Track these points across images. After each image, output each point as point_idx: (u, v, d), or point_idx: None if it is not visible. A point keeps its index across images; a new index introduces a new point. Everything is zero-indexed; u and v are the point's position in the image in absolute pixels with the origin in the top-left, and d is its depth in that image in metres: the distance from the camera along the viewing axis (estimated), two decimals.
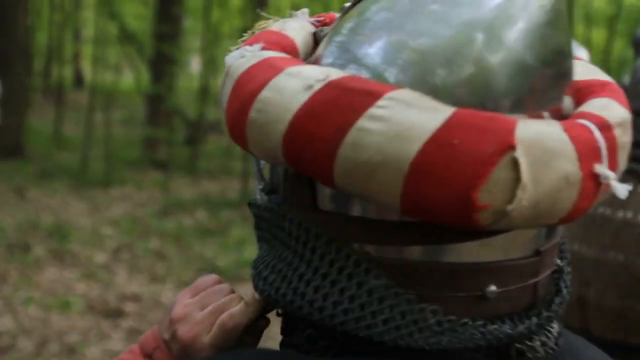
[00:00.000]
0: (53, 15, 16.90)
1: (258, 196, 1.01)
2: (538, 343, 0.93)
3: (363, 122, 0.80)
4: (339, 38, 0.91)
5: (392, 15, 0.87)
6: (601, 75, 0.97)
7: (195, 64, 20.40)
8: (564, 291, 0.94)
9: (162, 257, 8.12)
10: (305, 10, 1.06)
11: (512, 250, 0.89)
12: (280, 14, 1.07)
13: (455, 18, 0.84)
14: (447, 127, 0.78)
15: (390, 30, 0.86)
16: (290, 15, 1.05)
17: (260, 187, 1.01)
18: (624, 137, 0.87)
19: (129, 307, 6.67)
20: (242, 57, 0.92)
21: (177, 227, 9.22)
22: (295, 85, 0.84)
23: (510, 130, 0.78)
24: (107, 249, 8.25)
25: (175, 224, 9.41)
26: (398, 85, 0.83)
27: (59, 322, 6.24)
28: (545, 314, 0.91)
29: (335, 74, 0.84)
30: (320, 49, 0.94)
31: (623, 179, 0.90)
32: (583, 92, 0.93)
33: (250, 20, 13.44)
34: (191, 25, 16.38)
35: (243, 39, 0.99)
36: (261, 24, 1.03)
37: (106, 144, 12.95)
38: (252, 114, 0.86)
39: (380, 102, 0.80)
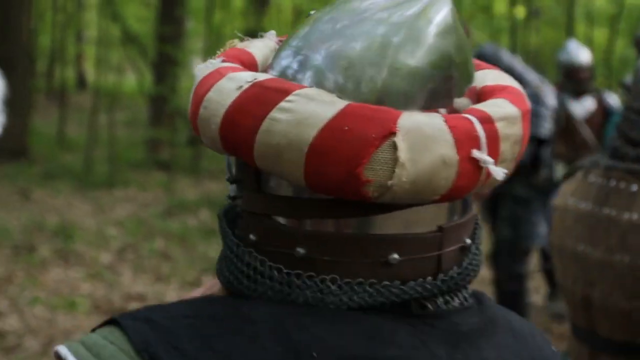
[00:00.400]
0: (56, 17, 16.95)
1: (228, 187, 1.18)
2: (441, 300, 1.09)
3: (274, 113, 0.99)
4: (294, 42, 1.09)
5: (333, 26, 1.06)
6: (508, 82, 1.12)
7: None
8: (465, 265, 1.09)
9: (167, 257, 8.16)
10: (273, 32, 1.23)
11: (414, 225, 1.05)
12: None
13: (373, 33, 1.02)
14: (340, 116, 0.97)
15: (331, 40, 1.04)
16: (261, 36, 1.23)
17: (227, 177, 1.17)
18: (508, 130, 1.03)
19: (134, 306, 6.70)
20: (205, 68, 1.11)
21: (181, 228, 9.26)
22: (230, 86, 1.03)
23: (393, 120, 0.96)
24: (111, 250, 8.29)
25: (180, 224, 9.46)
26: (335, 83, 1.02)
27: (64, 322, 6.28)
28: (445, 279, 1.07)
29: (261, 77, 1.03)
30: (278, 51, 1.12)
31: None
32: (485, 95, 1.09)
33: (252, 22, 13.49)
34: (193, 27, 16.43)
35: (216, 55, 1.17)
36: (230, 42, 1.20)
37: (110, 145, 12.99)
38: (200, 110, 1.06)
39: (288, 97, 0.99)
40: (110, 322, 1.07)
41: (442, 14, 1.05)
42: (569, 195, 2.63)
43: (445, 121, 0.98)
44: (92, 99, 14.57)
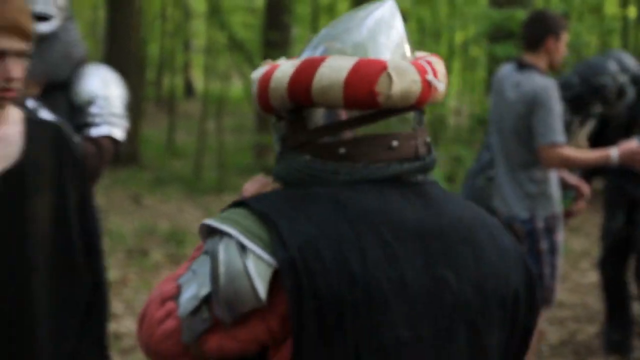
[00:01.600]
0: (164, 26, 17.27)
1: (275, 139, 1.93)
2: (418, 177, 1.82)
3: (320, 69, 1.74)
4: (315, 41, 1.87)
5: (328, 32, 1.86)
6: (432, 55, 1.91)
7: None
8: (431, 155, 1.83)
9: None
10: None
11: (402, 127, 1.80)
12: None
13: (349, 37, 1.82)
14: (356, 64, 1.74)
15: (328, 40, 1.84)
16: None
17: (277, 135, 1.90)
18: (438, 66, 1.83)
19: None
20: (260, 70, 1.87)
21: None
22: (286, 67, 1.79)
23: (384, 63, 1.74)
24: None
25: None
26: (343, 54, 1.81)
27: None
28: (419, 162, 1.80)
29: (302, 58, 1.81)
30: (303, 51, 1.89)
31: None
32: (420, 57, 1.87)
33: None
34: (299, 33, 16.51)
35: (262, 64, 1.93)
36: (266, 62, 1.95)
37: (218, 151, 13.14)
38: (270, 85, 1.80)
39: (326, 60, 1.75)
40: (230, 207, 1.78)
41: (383, 11, 1.87)
42: None
43: (412, 63, 1.78)
44: (201, 106, 14.76)
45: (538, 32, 4.99)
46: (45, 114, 3.64)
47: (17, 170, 2.45)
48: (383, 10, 1.86)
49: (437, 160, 1.84)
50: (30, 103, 3.65)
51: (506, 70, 5.17)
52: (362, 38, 1.82)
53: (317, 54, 1.82)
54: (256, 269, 1.68)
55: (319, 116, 1.83)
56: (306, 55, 1.84)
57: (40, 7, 3.66)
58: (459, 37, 13.80)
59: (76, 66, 3.78)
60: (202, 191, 11.68)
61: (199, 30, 20.72)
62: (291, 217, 1.69)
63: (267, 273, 1.67)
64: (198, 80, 23.08)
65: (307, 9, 14.00)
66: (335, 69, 1.74)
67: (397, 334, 1.71)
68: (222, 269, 1.68)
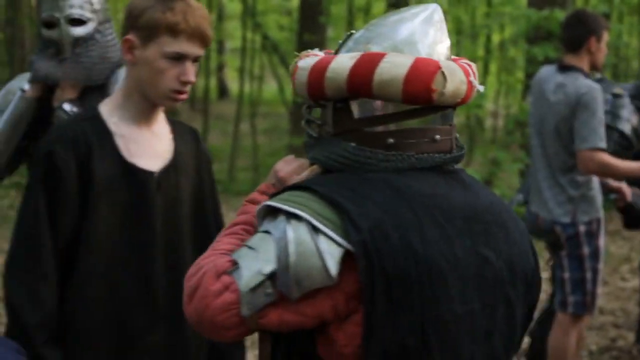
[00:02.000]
0: None
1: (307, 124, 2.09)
2: (454, 165, 2.03)
3: (381, 64, 1.90)
4: (349, 44, 2.04)
5: (365, 34, 2.03)
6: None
7: None
8: (461, 149, 2.04)
9: None
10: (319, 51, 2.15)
11: (443, 121, 2.01)
12: None
13: (386, 38, 1.99)
14: (415, 62, 1.90)
15: (365, 42, 2.00)
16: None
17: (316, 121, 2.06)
18: (475, 69, 2.01)
19: None
20: (310, 59, 2.02)
21: None
22: (344, 59, 1.94)
23: (437, 63, 1.92)
24: None
25: None
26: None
27: None
28: (456, 154, 2.02)
29: (360, 52, 1.96)
30: (340, 48, 2.06)
31: None
32: (460, 60, 2.05)
33: None
34: (335, 34, 16.46)
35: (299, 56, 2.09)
36: (303, 53, 2.10)
37: (253, 153, 13.12)
38: (327, 75, 1.95)
39: (386, 57, 1.91)
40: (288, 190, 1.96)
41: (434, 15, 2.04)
42: None
43: (458, 64, 1.97)
44: (234, 107, 14.76)
45: (579, 33, 4.92)
46: None
47: (174, 163, 2.69)
48: (428, 13, 2.02)
49: (465, 155, 2.09)
50: (68, 106, 3.64)
51: (547, 72, 5.09)
52: (407, 39, 1.98)
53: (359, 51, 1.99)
54: (328, 249, 1.83)
55: (366, 106, 2.00)
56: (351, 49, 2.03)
57: (76, 11, 3.67)
58: (496, 38, 13.69)
59: (113, 69, 3.76)
60: (236, 193, 11.66)
61: (234, 31, 20.74)
62: (358, 202, 1.86)
63: (337, 253, 1.83)
64: (232, 82, 23.11)
65: (342, 9, 13.95)
66: (396, 65, 1.91)
67: (453, 308, 1.90)
68: (292, 248, 1.83)
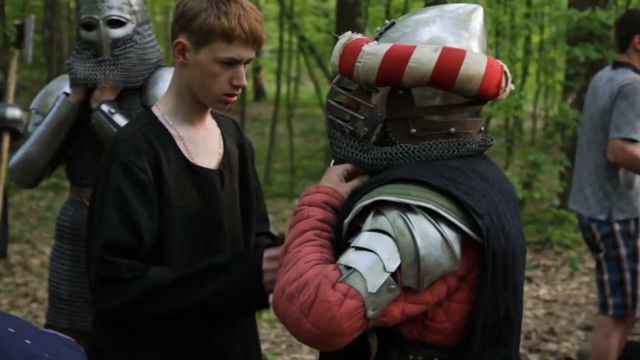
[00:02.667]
0: None
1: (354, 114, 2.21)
2: (486, 152, 2.24)
3: (466, 60, 2.05)
4: (383, 39, 2.16)
5: (400, 33, 2.15)
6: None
7: None
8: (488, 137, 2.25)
9: None
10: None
11: (481, 114, 2.24)
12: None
13: (421, 34, 2.14)
14: (489, 62, 2.10)
15: (398, 40, 2.12)
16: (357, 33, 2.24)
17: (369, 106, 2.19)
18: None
19: None
20: (371, 48, 2.10)
21: None
22: (478, 59, 2.11)
23: (500, 63, 2.13)
24: None
25: None
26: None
27: None
28: (491, 142, 2.24)
29: (440, 46, 2.10)
30: (384, 36, 2.17)
31: None
32: None
33: None
34: (373, 35, 16.37)
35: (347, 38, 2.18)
36: (351, 35, 2.19)
37: (290, 155, 13.08)
38: (409, 64, 2.06)
39: (468, 52, 2.07)
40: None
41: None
42: None
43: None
44: (271, 109, 14.73)
45: (625, 32, 4.98)
46: (120, 119, 3.61)
47: (227, 157, 2.70)
48: (478, 15, 2.17)
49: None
50: (105, 107, 3.62)
51: (603, 70, 5.15)
52: (440, 39, 2.12)
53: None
54: (452, 236, 1.96)
55: (428, 96, 2.13)
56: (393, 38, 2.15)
57: (115, 13, 3.67)
58: (535, 39, 13.56)
59: (152, 70, 3.74)
60: (273, 195, 11.63)
61: (270, 33, 20.75)
62: (464, 190, 2.02)
63: (459, 240, 1.97)
64: (268, 84, 23.13)
65: (380, 10, 13.87)
66: (477, 62, 2.06)
67: (518, 279, 2.13)
68: (419, 241, 1.92)
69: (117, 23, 3.67)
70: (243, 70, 2.54)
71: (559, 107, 9.67)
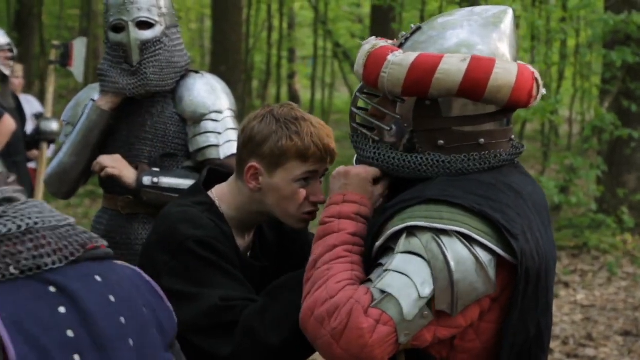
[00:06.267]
0: (270, 36, 17.36)
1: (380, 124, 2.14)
2: (516, 160, 2.19)
3: (495, 70, 1.98)
4: (408, 44, 2.10)
5: (426, 37, 2.10)
6: None
7: None
8: (521, 143, 2.22)
9: None
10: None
11: (512, 121, 2.17)
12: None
13: (448, 40, 2.07)
14: (520, 70, 2.03)
15: (424, 44, 2.07)
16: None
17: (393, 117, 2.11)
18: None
19: None
20: (396, 57, 2.04)
21: None
22: (511, 68, 2.07)
23: (532, 70, 2.08)
24: None
25: None
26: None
27: None
28: (522, 149, 2.17)
29: (469, 55, 2.04)
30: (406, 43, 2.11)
31: None
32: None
33: None
34: None
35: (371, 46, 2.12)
36: (373, 42, 2.13)
37: None
38: (443, 70, 2.00)
39: (497, 62, 2.01)
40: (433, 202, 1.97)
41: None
42: None
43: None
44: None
45: None
46: (167, 180, 3.61)
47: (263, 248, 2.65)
48: (507, 17, 2.10)
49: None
50: (147, 179, 3.59)
51: None
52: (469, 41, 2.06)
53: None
54: (486, 259, 1.90)
55: (456, 106, 2.05)
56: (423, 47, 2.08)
57: (144, 14, 3.65)
58: (571, 43, 13.46)
59: (180, 74, 3.73)
60: None
61: (305, 39, 20.76)
62: (497, 209, 1.94)
63: (493, 262, 1.91)
64: (303, 90, 23.14)
65: (414, 15, 13.84)
66: (508, 71, 1.99)
67: (550, 295, 2.08)
68: (454, 266, 1.87)
69: (146, 25, 3.65)
70: (319, 185, 2.46)
71: (596, 111, 9.60)
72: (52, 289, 1.51)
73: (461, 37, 2.05)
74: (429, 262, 1.86)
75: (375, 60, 2.03)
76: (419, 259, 1.88)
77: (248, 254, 2.57)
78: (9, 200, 1.58)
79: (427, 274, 1.86)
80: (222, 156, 3.64)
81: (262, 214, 2.50)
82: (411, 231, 1.92)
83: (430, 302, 1.87)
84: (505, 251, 1.92)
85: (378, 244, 1.99)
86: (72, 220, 1.64)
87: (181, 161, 3.75)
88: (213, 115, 3.71)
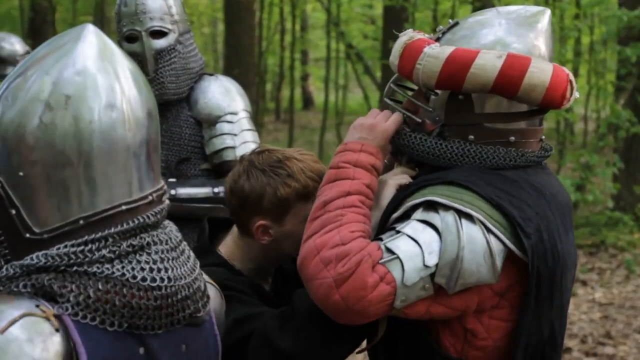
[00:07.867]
0: (283, 39, 17.37)
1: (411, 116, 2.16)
2: (544, 162, 2.19)
3: (530, 68, 2.00)
4: (446, 37, 2.12)
5: (460, 36, 2.11)
6: None
7: None
8: (550, 145, 2.23)
9: None
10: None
11: (543, 122, 2.22)
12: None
13: (483, 37, 2.10)
14: (555, 68, 2.03)
15: (458, 42, 2.08)
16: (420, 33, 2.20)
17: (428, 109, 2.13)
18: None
19: None
20: (433, 50, 2.05)
21: None
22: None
23: (567, 72, 2.06)
24: None
25: None
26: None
27: None
28: (550, 151, 2.20)
29: (505, 52, 2.06)
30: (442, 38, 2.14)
31: None
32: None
33: None
34: None
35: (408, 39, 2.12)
36: (411, 34, 2.15)
37: None
38: (472, 71, 2.00)
39: (533, 61, 2.01)
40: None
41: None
42: None
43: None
44: (320, 117, 14.73)
45: None
46: (184, 190, 3.64)
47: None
48: (545, 17, 2.12)
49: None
50: None
51: None
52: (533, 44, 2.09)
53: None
54: (497, 249, 1.92)
55: (489, 102, 2.07)
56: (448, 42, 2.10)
57: (157, 23, 3.67)
58: (585, 40, 13.42)
59: (196, 78, 3.75)
60: None
61: (318, 41, 20.76)
62: (516, 205, 1.96)
63: (503, 254, 1.93)
64: (316, 92, 23.15)
65: (427, 15, 13.82)
66: (543, 71, 1.99)
67: (566, 297, 2.10)
68: (465, 244, 1.89)
69: (160, 34, 3.67)
70: None
71: (611, 108, 9.55)
72: (141, 350, 1.51)
73: (498, 35, 2.07)
74: (441, 234, 1.89)
75: (412, 52, 2.05)
76: (432, 231, 1.91)
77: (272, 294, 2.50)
78: (154, 226, 1.55)
79: (437, 246, 1.89)
80: (238, 158, 3.64)
81: (281, 257, 2.48)
82: (431, 204, 1.95)
83: (434, 276, 1.90)
84: (517, 247, 1.94)
85: (395, 215, 2.00)
86: (198, 272, 1.65)
87: (197, 164, 3.76)
88: (228, 117, 3.72)
